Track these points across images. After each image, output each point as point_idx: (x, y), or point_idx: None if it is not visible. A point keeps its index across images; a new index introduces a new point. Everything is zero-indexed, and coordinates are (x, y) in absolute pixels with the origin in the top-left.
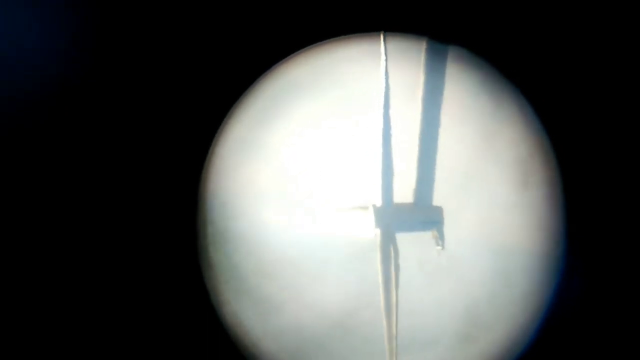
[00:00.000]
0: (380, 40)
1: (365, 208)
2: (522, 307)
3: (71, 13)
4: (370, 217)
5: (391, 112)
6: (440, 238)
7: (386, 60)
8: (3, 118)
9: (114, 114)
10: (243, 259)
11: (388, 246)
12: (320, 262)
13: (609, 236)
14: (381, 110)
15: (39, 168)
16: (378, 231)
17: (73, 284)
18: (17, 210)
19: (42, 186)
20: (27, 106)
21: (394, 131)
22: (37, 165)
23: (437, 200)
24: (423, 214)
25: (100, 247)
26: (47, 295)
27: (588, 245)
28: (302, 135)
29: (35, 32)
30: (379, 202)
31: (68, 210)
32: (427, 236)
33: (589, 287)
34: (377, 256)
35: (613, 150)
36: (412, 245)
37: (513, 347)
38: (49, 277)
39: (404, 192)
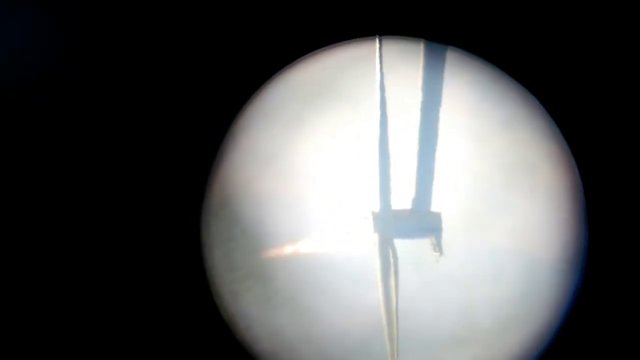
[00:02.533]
0: (376, 44)
1: (365, 213)
2: (529, 314)
3: (79, 16)
4: (369, 222)
5: (389, 116)
6: (439, 244)
7: (381, 64)
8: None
9: (120, 116)
10: (244, 258)
11: (387, 252)
12: (320, 264)
13: (623, 239)
14: (379, 115)
15: (44, 166)
16: (377, 237)
17: (72, 281)
18: (16, 210)
19: (48, 183)
20: (31, 106)
21: (392, 136)
22: (42, 163)
23: (436, 206)
24: (421, 220)
25: (102, 245)
26: (47, 290)
27: (600, 250)
28: (303, 140)
29: (35, 31)
30: (377, 208)
31: (71, 208)
32: (426, 242)
33: (601, 293)
34: (376, 263)
35: (626, 149)
36: (411, 251)
37: (525, 352)
38: (48, 271)
39: (403, 198)
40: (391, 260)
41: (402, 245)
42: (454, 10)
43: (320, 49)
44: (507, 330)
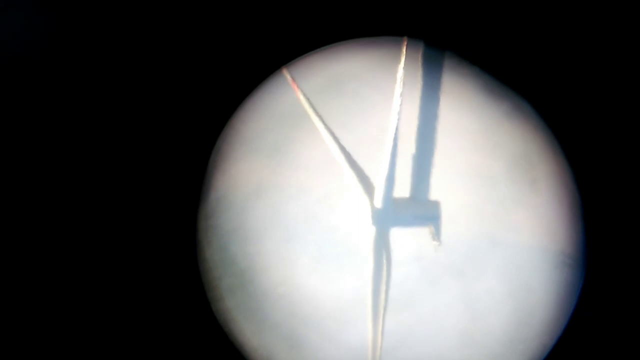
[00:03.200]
0: (400, 44)
1: (363, 203)
2: (533, 309)
3: (76, 14)
4: (367, 212)
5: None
6: (437, 233)
7: (404, 63)
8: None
9: (120, 112)
10: (239, 254)
11: (381, 243)
12: (315, 258)
13: (620, 233)
14: (395, 110)
15: (43, 165)
16: (374, 227)
17: (69, 275)
18: (16, 208)
19: (47, 181)
20: (34, 106)
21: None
22: (42, 162)
23: (435, 195)
24: (420, 209)
25: (99, 239)
26: (44, 284)
27: (601, 243)
28: (304, 132)
29: (35, 30)
30: (376, 199)
31: (72, 203)
32: (425, 232)
33: (605, 287)
34: (370, 252)
35: (621, 148)
36: (412, 244)
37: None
38: (46, 267)
39: (402, 187)
40: (384, 255)
41: (402, 238)
42: (452, 16)
43: (321, 47)
44: (511, 325)
